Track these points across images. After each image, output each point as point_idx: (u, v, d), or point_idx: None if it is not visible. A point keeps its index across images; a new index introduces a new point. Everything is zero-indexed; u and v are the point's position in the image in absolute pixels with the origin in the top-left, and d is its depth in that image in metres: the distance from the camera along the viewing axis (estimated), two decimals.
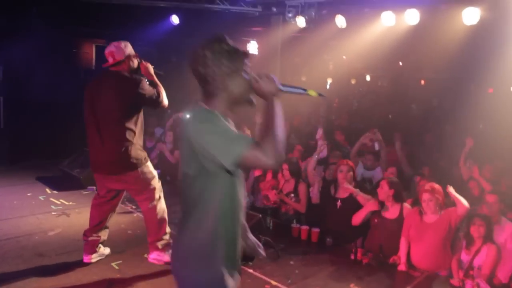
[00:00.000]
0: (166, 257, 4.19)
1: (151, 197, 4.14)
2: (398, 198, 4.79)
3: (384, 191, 4.78)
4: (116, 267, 4.24)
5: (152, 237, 4.21)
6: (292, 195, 5.66)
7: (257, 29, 12.13)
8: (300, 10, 8.70)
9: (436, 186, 4.49)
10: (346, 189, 5.10)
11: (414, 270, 4.41)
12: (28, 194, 6.31)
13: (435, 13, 7.40)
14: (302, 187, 5.67)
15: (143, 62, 4.18)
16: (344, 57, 14.16)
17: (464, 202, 4.27)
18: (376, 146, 6.53)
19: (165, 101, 4.17)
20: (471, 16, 6.65)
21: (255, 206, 6.02)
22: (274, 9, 9.60)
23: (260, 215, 4.67)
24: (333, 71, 15.21)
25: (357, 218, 4.96)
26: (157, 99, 4.05)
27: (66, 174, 7.07)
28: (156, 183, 4.19)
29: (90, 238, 4.24)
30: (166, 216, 4.26)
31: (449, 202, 4.49)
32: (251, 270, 4.33)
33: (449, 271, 4.40)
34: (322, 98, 2.17)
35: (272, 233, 5.09)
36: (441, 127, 9.43)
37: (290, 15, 8.96)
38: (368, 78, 16.88)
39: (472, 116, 8.61)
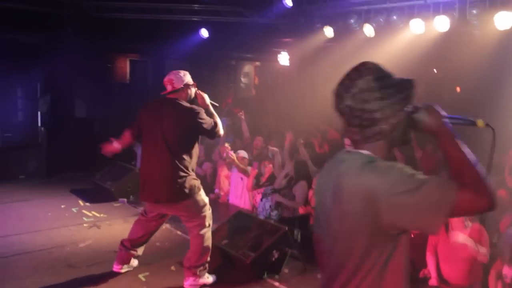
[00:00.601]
0: (201, 281, 4.16)
1: (202, 224, 4.10)
2: None
3: None
4: (143, 279, 4.29)
5: (191, 263, 4.12)
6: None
7: (287, 40, 12.16)
8: (328, 20, 8.71)
9: None
10: None
11: (446, 285, 4.28)
12: (62, 206, 6.48)
13: (466, 18, 7.24)
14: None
15: (199, 91, 4.22)
16: None
17: (483, 251, 4.06)
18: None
19: (221, 131, 4.21)
20: (503, 20, 6.49)
21: (283, 217, 5.98)
22: (302, 20, 9.64)
23: (286, 228, 4.63)
24: None
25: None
26: (214, 129, 4.07)
27: (98, 187, 7.24)
28: (207, 211, 4.16)
29: (129, 252, 4.31)
30: (210, 244, 4.20)
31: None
32: (276, 283, 4.31)
33: (483, 285, 4.25)
34: (490, 129, 1.80)
35: (300, 246, 5.05)
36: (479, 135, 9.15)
37: (318, 25, 8.98)
38: None
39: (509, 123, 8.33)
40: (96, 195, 6.93)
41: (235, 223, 5.06)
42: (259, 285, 4.29)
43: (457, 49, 9.35)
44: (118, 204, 6.66)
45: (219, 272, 4.40)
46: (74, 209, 6.34)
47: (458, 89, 15.29)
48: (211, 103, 4.25)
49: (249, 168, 6.57)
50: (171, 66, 13.99)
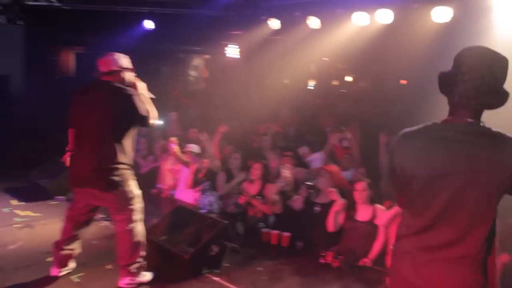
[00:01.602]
0: (137, 279, 3.96)
1: (130, 219, 3.87)
2: (372, 200, 4.71)
3: (362, 193, 4.70)
4: (78, 280, 4.09)
5: (124, 261, 3.91)
6: (259, 197, 5.56)
7: (235, 32, 12.05)
8: (274, 12, 8.66)
9: None
10: (332, 194, 4.96)
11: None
12: None
13: (408, 11, 7.38)
14: (268, 189, 5.57)
15: (137, 79, 4.00)
16: (326, 58, 14.10)
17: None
18: (344, 144, 6.49)
19: (155, 121, 3.98)
20: (442, 14, 6.66)
21: (225, 212, 5.91)
22: (249, 12, 9.55)
23: (227, 222, 4.55)
24: (315, 73, 15.14)
25: (329, 223, 4.87)
26: (147, 117, 3.83)
27: (34, 185, 6.90)
28: (138, 204, 3.94)
29: (64, 252, 4.04)
30: (143, 239, 3.98)
31: None
32: (216, 278, 4.22)
33: None
34: None
35: (241, 239, 5.00)
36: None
37: (263, 17, 8.92)
38: (349, 79, 16.83)
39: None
40: (32, 194, 6.56)
41: (174, 218, 4.93)
42: (199, 281, 4.19)
43: (400, 42, 9.52)
44: (54, 203, 6.33)
45: (158, 269, 4.26)
46: (5, 209, 5.99)
47: (404, 81, 15.67)
48: (147, 93, 4.03)
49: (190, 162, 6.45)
50: None
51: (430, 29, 7.29)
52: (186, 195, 6.59)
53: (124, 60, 3.89)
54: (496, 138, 1.88)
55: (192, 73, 15.50)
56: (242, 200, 5.61)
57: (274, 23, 8.69)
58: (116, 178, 3.72)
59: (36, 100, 9.57)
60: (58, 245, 4.06)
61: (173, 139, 6.54)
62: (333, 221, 4.85)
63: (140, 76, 4.08)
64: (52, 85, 10.71)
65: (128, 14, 10.31)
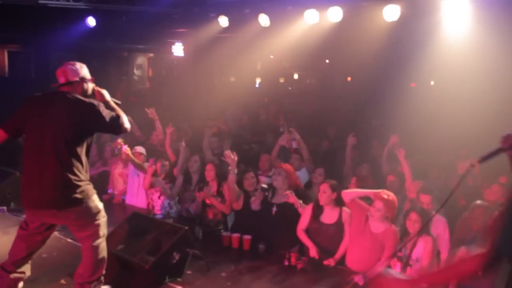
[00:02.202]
0: None
1: (95, 234, 3.60)
2: (338, 201, 4.68)
3: (327, 195, 4.64)
4: (64, 282, 3.83)
5: (84, 278, 3.63)
6: (216, 196, 5.45)
7: (181, 30, 11.82)
8: (223, 9, 8.53)
9: (392, 198, 4.37)
10: (290, 197, 4.88)
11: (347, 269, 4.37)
12: None
13: (358, 10, 7.47)
14: (226, 188, 5.45)
15: (97, 88, 3.74)
16: (271, 56, 14.15)
17: None
18: (294, 145, 6.50)
19: (127, 124, 3.71)
20: (391, 13, 6.78)
21: (182, 216, 5.74)
22: (196, 9, 9.37)
23: (187, 227, 4.38)
24: (261, 70, 15.18)
25: (301, 226, 4.80)
26: (117, 122, 3.58)
27: None
28: (102, 218, 3.67)
29: (13, 276, 3.63)
30: (106, 256, 3.73)
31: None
32: (179, 287, 4.05)
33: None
34: None
35: (201, 244, 4.84)
36: (368, 122, 9.57)
37: (212, 14, 8.77)
38: (296, 76, 17.01)
39: (397, 110, 8.80)
40: None
41: (131, 225, 4.69)
42: None
43: (349, 40, 9.67)
44: None
45: (116, 281, 4.04)
46: None
47: (348, 78, 16.02)
48: (112, 100, 3.79)
49: (146, 164, 6.23)
50: (57, 57, 13.06)
51: (378, 27, 7.42)
52: (137, 200, 6.36)
53: (83, 70, 3.65)
54: None
55: (137, 72, 15.10)
56: (199, 198, 5.45)
57: (223, 21, 8.56)
58: (78, 196, 3.45)
59: None
60: (7, 268, 3.64)
61: (120, 141, 6.28)
62: (306, 226, 4.79)
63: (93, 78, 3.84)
64: None
65: (68, 10, 9.83)
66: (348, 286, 4.02)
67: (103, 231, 3.68)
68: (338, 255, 4.51)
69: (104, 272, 3.72)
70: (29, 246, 3.66)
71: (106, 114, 3.53)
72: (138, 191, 6.36)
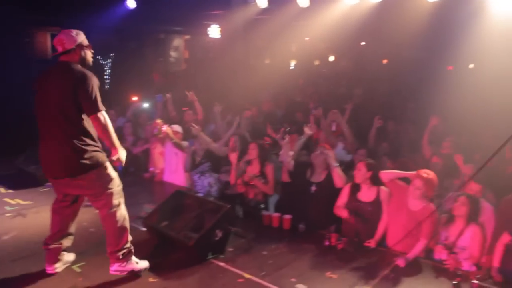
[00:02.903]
0: (128, 266, 3.83)
1: (110, 203, 3.67)
2: (375, 181, 4.68)
3: (362, 173, 4.67)
4: (78, 270, 3.97)
5: (111, 247, 3.78)
6: (259, 177, 5.50)
7: (218, 12, 11.84)
8: None
9: (432, 177, 4.33)
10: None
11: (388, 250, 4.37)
12: None
13: None
14: (269, 169, 5.50)
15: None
16: (307, 38, 14.03)
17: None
18: (333, 127, 6.47)
19: (102, 107, 3.54)
20: None
21: (223, 195, 5.83)
22: None
23: (229, 205, 4.46)
24: (296, 52, 15.05)
25: (339, 204, 4.83)
26: (95, 102, 3.47)
27: (22, 171, 6.67)
28: (116, 187, 3.73)
29: (52, 246, 3.84)
30: (127, 224, 3.82)
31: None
32: (222, 264, 4.15)
33: (425, 252, 4.35)
34: None
35: (242, 223, 4.92)
36: (405, 105, 9.43)
37: None
38: (331, 58, 16.80)
39: (434, 93, 8.63)
40: (19, 181, 6.35)
41: (174, 203, 4.81)
42: (204, 267, 4.10)
43: (388, 21, 9.49)
44: (45, 189, 6.10)
45: (161, 256, 4.18)
46: None
47: (384, 61, 15.74)
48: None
49: (184, 143, 6.35)
50: (97, 39, 13.24)
51: (420, 7, 7.25)
52: (176, 177, 6.49)
53: (80, 37, 3.65)
54: None
55: (173, 54, 15.22)
56: (246, 178, 5.53)
57: (262, 2, 8.52)
58: (87, 161, 3.51)
59: (15, 84, 9.21)
60: (47, 241, 3.85)
61: (159, 121, 6.42)
62: (344, 202, 4.82)
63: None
64: (30, 68, 10.34)
65: None
66: (389, 268, 4.03)
67: (118, 199, 3.74)
68: (377, 235, 4.51)
69: (129, 239, 3.83)
70: (62, 220, 3.83)
71: (90, 89, 3.45)
72: (176, 168, 6.49)
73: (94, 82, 3.50)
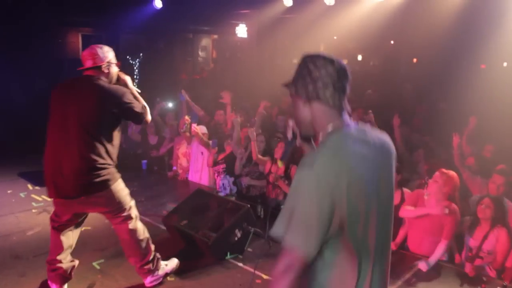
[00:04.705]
0: (161, 273, 3.78)
1: (129, 217, 3.53)
2: (401, 183, 4.58)
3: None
4: (98, 267, 4.02)
5: (138, 262, 3.63)
6: (283, 178, 5.46)
7: (245, 11, 11.83)
8: None
9: (452, 174, 4.16)
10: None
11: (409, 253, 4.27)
12: (9, 192, 6.03)
13: None
14: (294, 170, 5.45)
15: (121, 73, 3.65)
16: (335, 37, 13.87)
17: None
18: None
19: (149, 116, 3.65)
20: None
21: (244, 194, 5.82)
22: None
23: (249, 205, 4.44)
24: (324, 52, 14.90)
25: None
26: (144, 113, 3.52)
27: None
28: (131, 201, 3.59)
29: (64, 265, 3.53)
30: (147, 234, 3.69)
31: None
32: (240, 264, 4.13)
33: (447, 256, 4.23)
34: None
35: (263, 223, 4.88)
36: (435, 105, 9.21)
37: None
38: (359, 57, 16.59)
39: (465, 93, 8.41)
40: None
41: (194, 202, 4.82)
42: (223, 266, 4.10)
43: (418, 19, 9.29)
44: None
45: (180, 255, 4.18)
46: (22, 194, 5.92)
47: (414, 60, 15.45)
48: (133, 88, 3.69)
49: (211, 142, 6.36)
50: (126, 40, 13.53)
51: (451, 4, 7.06)
52: (201, 177, 6.52)
53: (110, 54, 3.53)
54: None
55: (201, 53, 15.32)
56: (271, 179, 5.51)
57: (286, 0, 8.46)
58: (103, 179, 3.34)
59: (45, 83, 9.44)
60: (53, 263, 3.55)
61: (188, 117, 6.43)
62: None
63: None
64: (62, 67, 10.59)
65: None
66: (411, 272, 3.94)
67: (135, 212, 3.60)
68: (398, 238, 4.41)
69: (153, 248, 3.70)
70: (67, 238, 3.57)
71: (134, 103, 3.44)
72: (202, 167, 6.51)
73: (129, 93, 3.47)
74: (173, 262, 3.95)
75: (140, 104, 3.54)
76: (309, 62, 1.76)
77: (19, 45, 9.51)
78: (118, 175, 3.48)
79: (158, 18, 11.04)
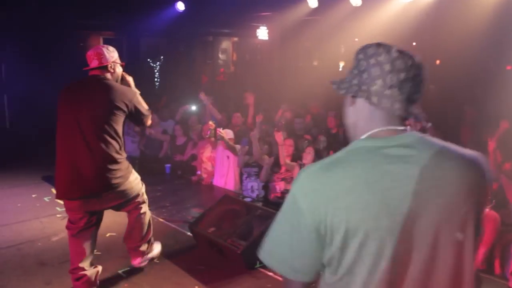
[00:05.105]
0: (149, 256, 3.94)
1: (142, 201, 3.73)
2: None
3: None
4: (124, 275, 3.92)
5: (135, 243, 3.79)
6: None
7: (266, 14, 11.73)
8: None
9: None
10: None
11: None
12: (33, 196, 6.00)
13: None
14: None
15: (125, 73, 3.68)
16: (356, 39, 13.69)
17: None
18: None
19: (150, 120, 3.78)
20: None
21: (270, 200, 5.69)
22: None
23: (275, 211, 4.30)
24: (345, 54, 14.74)
25: None
26: (147, 116, 3.61)
27: None
28: (141, 185, 3.73)
29: (88, 272, 3.50)
30: (150, 218, 3.91)
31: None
32: (270, 273, 3.99)
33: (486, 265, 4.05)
34: None
35: None
36: (460, 108, 8.98)
37: None
38: None
39: (491, 95, 8.16)
40: None
41: (221, 208, 4.70)
42: (252, 275, 3.96)
43: (444, 20, 9.07)
44: None
45: (207, 263, 4.08)
46: (46, 199, 5.88)
47: (437, 61, 15.17)
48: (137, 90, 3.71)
49: (237, 147, 6.24)
50: (146, 43, 13.55)
51: (480, 4, 6.85)
52: (226, 181, 6.40)
53: (115, 54, 3.56)
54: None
55: (221, 56, 15.26)
56: (281, 187, 5.40)
57: (311, 1, 8.32)
58: (123, 172, 3.44)
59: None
60: (75, 271, 3.49)
61: (212, 122, 6.33)
62: None
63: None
64: (83, 71, 10.60)
65: None
66: None
67: (145, 195, 3.80)
68: None
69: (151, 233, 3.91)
70: (87, 243, 3.52)
71: (143, 104, 3.55)
72: (227, 172, 6.39)
73: (139, 94, 3.57)
74: (159, 247, 4.08)
75: (146, 106, 3.62)
76: (360, 53, 1.38)
77: (44, 49, 9.54)
78: (130, 168, 3.61)
79: (178, 21, 11.00)
